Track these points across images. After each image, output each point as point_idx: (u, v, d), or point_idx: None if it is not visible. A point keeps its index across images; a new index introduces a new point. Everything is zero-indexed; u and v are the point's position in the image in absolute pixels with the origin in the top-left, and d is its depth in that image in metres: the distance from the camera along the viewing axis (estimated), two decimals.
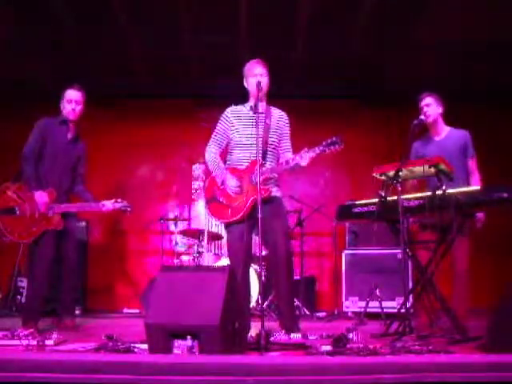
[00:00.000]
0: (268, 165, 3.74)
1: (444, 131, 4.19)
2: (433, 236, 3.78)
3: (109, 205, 4.27)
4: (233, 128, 3.82)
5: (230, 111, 3.87)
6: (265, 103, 3.85)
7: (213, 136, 3.90)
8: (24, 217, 4.13)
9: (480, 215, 3.98)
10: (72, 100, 4.23)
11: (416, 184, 4.09)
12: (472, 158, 4.12)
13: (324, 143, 3.53)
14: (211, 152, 3.88)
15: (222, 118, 3.89)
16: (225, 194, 3.76)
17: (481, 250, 4.13)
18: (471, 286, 3.96)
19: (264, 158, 3.72)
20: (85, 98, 4.30)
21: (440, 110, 4.13)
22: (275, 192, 3.80)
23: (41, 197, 4.12)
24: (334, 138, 3.53)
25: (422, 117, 4.00)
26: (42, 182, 4.20)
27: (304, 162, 3.55)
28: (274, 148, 3.83)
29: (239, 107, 3.89)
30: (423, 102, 4.11)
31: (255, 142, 3.49)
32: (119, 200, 4.33)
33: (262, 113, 3.76)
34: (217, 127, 3.90)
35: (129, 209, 4.35)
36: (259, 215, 3.16)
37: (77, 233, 4.57)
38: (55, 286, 4.38)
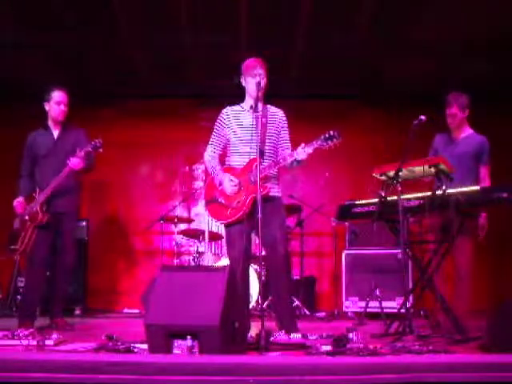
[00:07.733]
0: (266, 163, 3.71)
1: (464, 133, 4.12)
2: (432, 236, 3.78)
3: (75, 160, 4.17)
4: (230, 128, 3.81)
5: (227, 112, 3.86)
6: (262, 102, 3.84)
7: (211, 138, 3.90)
8: (23, 229, 4.27)
9: (482, 222, 3.93)
10: (61, 102, 4.40)
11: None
12: (485, 165, 4.07)
13: (322, 137, 3.52)
14: (209, 154, 3.88)
15: (218, 119, 3.87)
16: (224, 194, 3.75)
17: (480, 251, 4.12)
18: (472, 286, 3.95)
19: (262, 156, 3.68)
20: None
21: (465, 114, 4.06)
22: (275, 192, 3.79)
23: (15, 203, 4.32)
24: (331, 132, 3.50)
25: (423, 117, 3.98)
26: (41, 185, 4.29)
27: (301, 156, 3.54)
28: (272, 147, 3.81)
29: (236, 107, 3.88)
30: (449, 111, 4.06)
31: (253, 141, 3.48)
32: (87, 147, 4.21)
33: (260, 112, 3.76)
34: (214, 129, 3.89)
35: (98, 144, 4.22)
36: (259, 215, 3.16)
37: (74, 233, 4.55)
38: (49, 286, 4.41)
